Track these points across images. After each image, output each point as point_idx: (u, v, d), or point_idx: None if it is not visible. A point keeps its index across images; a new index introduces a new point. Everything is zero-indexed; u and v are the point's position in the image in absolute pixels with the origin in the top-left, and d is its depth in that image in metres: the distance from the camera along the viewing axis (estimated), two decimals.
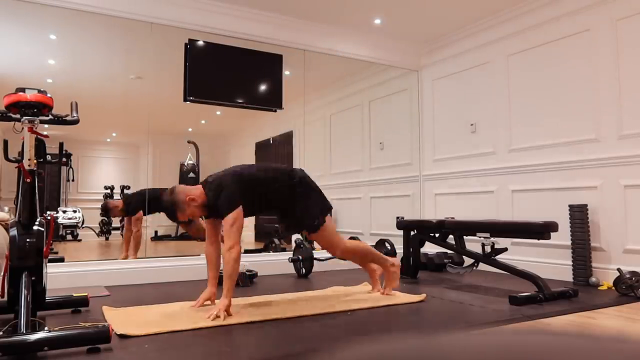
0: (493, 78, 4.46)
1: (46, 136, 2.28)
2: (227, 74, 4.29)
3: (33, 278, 2.14)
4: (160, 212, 4.14)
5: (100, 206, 4.06)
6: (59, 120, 2.31)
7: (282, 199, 2.81)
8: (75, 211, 4.08)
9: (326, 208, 2.89)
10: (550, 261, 3.89)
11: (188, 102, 4.17)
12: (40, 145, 2.30)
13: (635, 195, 3.41)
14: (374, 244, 4.44)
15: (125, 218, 4.06)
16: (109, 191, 4.13)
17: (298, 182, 2.83)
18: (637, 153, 3.39)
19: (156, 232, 4.37)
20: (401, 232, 3.96)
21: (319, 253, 4.23)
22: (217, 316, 2.40)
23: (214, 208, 2.68)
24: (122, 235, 4.21)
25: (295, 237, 4.66)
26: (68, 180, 4.06)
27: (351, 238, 4.40)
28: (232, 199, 2.60)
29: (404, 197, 5.16)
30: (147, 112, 4.05)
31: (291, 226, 2.94)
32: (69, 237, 4.12)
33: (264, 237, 4.70)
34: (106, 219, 4.23)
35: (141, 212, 4.02)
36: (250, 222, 4.64)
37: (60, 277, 3.40)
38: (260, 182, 2.74)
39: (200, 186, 2.70)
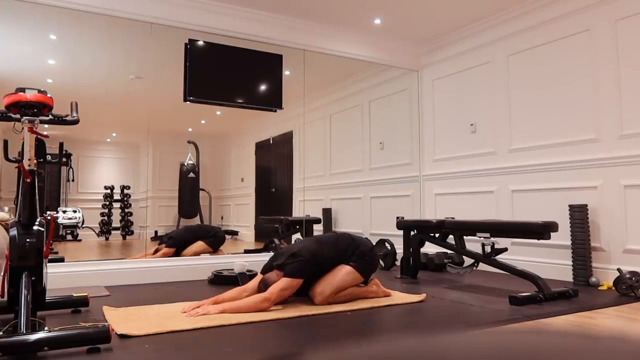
0: (493, 78, 4.46)
1: (46, 136, 2.28)
2: (227, 74, 4.29)
3: (33, 278, 2.14)
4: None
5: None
6: (59, 120, 2.31)
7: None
8: (75, 211, 4.08)
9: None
10: (550, 261, 3.89)
11: (188, 102, 4.17)
12: (40, 145, 2.30)
13: (635, 195, 3.40)
14: (374, 244, 4.44)
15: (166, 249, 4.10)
16: (109, 191, 4.14)
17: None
18: (637, 153, 3.39)
19: (156, 232, 4.37)
20: (401, 232, 3.96)
21: None
22: (200, 312, 2.46)
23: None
24: (122, 236, 4.21)
25: (296, 237, 4.67)
26: (68, 180, 4.06)
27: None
28: (301, 270, 2.68)
29: (404, 197, 5.16)
30: (147, 112, 4.05)
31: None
32: (69, 237, 4.12)
33: (264, 237, 4.71)
34: (107, 218, 4.23)
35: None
36: (250, 222, 4.64)
37: (60, 277, 3.40)
38: (330, 259, 2.86)
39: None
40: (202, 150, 4.45)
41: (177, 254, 4.04)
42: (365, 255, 2.91)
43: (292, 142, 4.88)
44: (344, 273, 2.83)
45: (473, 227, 3.33)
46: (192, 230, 4.27)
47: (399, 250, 4.16)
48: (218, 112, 4.47)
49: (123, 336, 2.09)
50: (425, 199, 5.15)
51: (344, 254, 2.89)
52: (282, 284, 2.62)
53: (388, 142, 5.17)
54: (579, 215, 3.55)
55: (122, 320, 2.35)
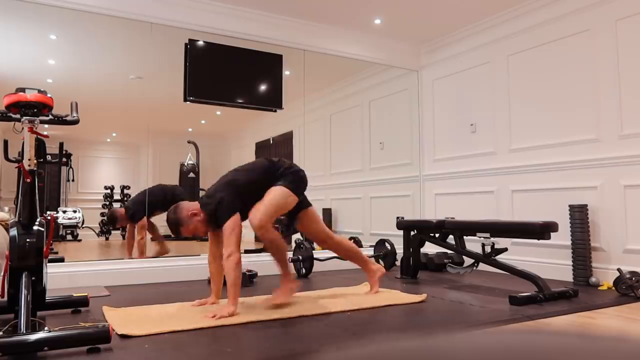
0: (493, 78, 4.46)
1: (46, 136, 2.28)
2: (227, 74, 4.29)
3: (33, 278, 2.14)
4: (164, 211, 4.14)
5: (107, 216, 4.08)
6: (59, 120, 2.31)
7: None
8: (75, 211, 4.08)
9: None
10: (550, 261, 3.89)
11: (188, 102, 4.17)
12: (40, 145, 2.30)
13: (635, 195, 3.41)
14: (374, 244, 4.44)
15: (128, 225, 4.06)
16: (109, 191, 4.13)
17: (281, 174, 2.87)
18: (637, 153, 3.39)
19: None
20: (401, 232, 3.96)
21: (319, 253, 4.23)
22: (219, 317, 2.42)
23: (214, 220, 2.71)
24: (122, 236, 4.21)
25: (296, 237, 4.66)
26: (68, 180, 4.06)
27: (351, 239, 4.40)
28: (230, 206, 2.64)
29: (404, 197, 5.16)
30: (147, 112, 4.05)
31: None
32: (69, 237, 4.12)
33: None
34: (107, 218, 4.23)
35: (145, 218, 4.01)
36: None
37: (60, 277, 3.40)
38: (256, 185, 2.79)
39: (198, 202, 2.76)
40: (202, 151, 4.45)
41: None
42: (288, 172, 2.85)
43: (292, 142, 4.88)
44: (272, 194, 2.76)
45: (473, 227, 3.33)
46: (156, 195, 4.15)
47: (399, 250, 4.16)
48: (218, 112, 4.47)
49: (123, 336, 2.09)
50: (425, 199, 5.15)
51: (267, 177, 2.82)
52: (227, 229, 2.61)
53: (388, 142, 5.17)
54: (579, 215, 3.55)
55: (122, 320, 2.35)
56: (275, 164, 2.87)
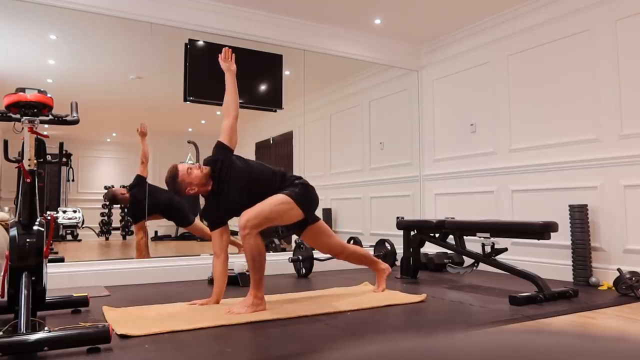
0: (493, 78, 4.46)
1: (46, 136, 2.28)
2: None
3: (33, 278, 2.14)
4: (163, 216, 4.16)
5: (104, 196, 4.08)
6: (59, 120, 2.31)
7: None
8: (75, 211, 4.08)
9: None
10: (550, 261, 3.89)
11: (188, 102, 4.17)
12: (40, 145, 2.30)
13: (635, 195, 3.41)
14: (374, 244, 4.44)
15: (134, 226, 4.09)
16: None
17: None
18: (637, 153, 3.39)
19: (156, 232, 4.37)
20: (401, 232, 3.96)
21: (318, 253, 4.23)
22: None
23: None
24: (122, 235, 4.21)
25: (295, 237, 4.67)
26: (68, 180, 4.06)
27: (351, 239, 4.40)
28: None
29: (404, 197, 5.16)
30: (147, 112, 4.05)
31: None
32: (69, 237, 4.12)
33: (264, 237, 4.70)
34: (107, 218, 4.23)
35: (145, 219, 4.01)
36: None
37: (60, 277, 3.40)
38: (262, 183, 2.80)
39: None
40: (202, 150, 4.45)
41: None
42: (295, 184, 2.74)
43: (292, 142, 4.88)
44: (272, 200, 2.64)
45: (473, 227, 3.33)
46: (161, 199, 4.15)
47: (399, 250, 4.16)
48: (218, 112, 4.47)
49: (123, 336, 2.09)
50: (425, 199, 5.15)
51: (266, 186, 2.74)
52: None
53: (388, 142, 5.17)
54: (579, 215, 3.55)
55: (122, 320, 2.35)
56: (285, 174, 2.85)
